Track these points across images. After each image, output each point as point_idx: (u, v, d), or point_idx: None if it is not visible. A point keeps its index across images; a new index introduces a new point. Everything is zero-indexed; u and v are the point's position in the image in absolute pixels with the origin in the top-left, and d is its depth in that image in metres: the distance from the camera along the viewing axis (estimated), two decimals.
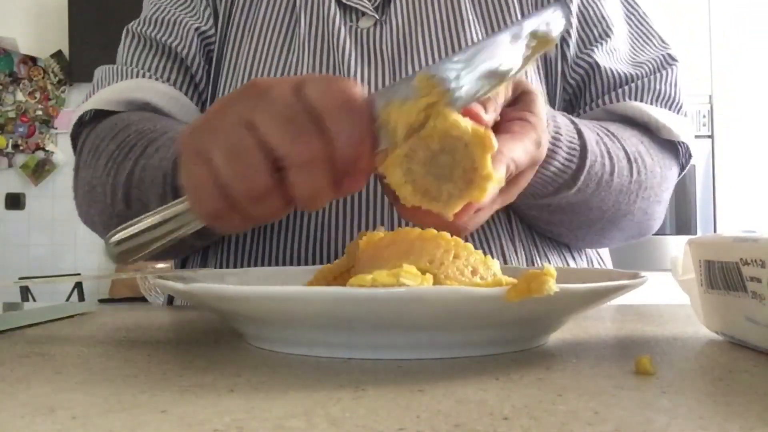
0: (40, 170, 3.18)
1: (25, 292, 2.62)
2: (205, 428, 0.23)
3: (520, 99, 0.46)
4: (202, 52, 0.71)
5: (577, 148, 0.57)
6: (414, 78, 0.38)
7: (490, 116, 0.42)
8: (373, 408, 0.26)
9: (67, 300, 2.65)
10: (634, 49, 0.73)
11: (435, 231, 0.41)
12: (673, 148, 0.71)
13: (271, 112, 0.38)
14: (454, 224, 0.41)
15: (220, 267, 0.67)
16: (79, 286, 2.90)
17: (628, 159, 0.63)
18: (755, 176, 2.71)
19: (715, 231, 2.64)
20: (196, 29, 0.71)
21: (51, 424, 0.24)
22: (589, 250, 0.73)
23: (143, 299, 2.73)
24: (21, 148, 3.18)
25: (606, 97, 0.69)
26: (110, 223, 0.62)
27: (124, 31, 0.74)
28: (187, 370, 0.33)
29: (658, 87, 0.69)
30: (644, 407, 0.26)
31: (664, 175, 0.68)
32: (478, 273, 0.40)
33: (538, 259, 0.66)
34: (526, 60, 0.39)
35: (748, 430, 0.23)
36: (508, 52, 0.39)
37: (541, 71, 0.69)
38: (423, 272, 0.36)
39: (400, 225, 0.62)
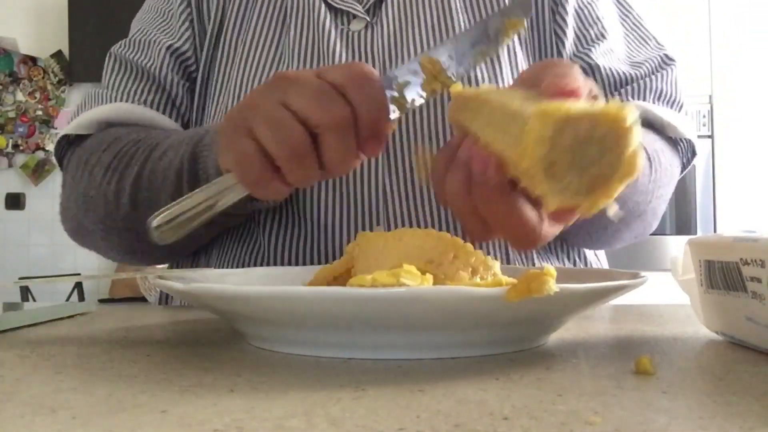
0: (40, 170, 3.18)
1: (25, 292, 2.62)
2: (205, 428, 0.23)
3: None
4: (176, 69, 0.72)
5: None
6: (416, 61, 0.46)
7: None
8: (373, 408, 0.26)
9: (67, 300, 2.65)
10: (631, 50, 0.73)
11: (435, 231, 0.41)
12: (674, 146, 0.71)
13: (302, 92, 0.44)
14: (538, 230, 0.38)
15: (221, 267, 0.67)
16: (79, 286, 2.90)
17: (648, 158, 0.62)
18: (755, 176, 2.71)
19: (715, 231, 2.64)
20: (168, 47, 0.72)
21: (51, 424, 0.24)
22: (586, 251, 0.73)
23: (143, 299, 2.73)
24: (21, 148, 3.18)
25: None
26: (112, 227, 0.65)
27: (108, 55, 0.75)
28: (187, 370, 0.33)
29: (659, 86, 0.69)
30: (644, 407, 0.26)
31: (673, 173, 0.69)
32: (478, 273, 0.40)
33: (536, 259, 0.66)
34: (503, 35, 0.47)
35: (748, 430, 0.23)
36: (485, 31, 0.47)
37: None
38: (423, 272, 0.36)
39: (399, 225, 0.62)
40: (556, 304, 0.35)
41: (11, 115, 3.20)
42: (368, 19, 0.67)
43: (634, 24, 0.75)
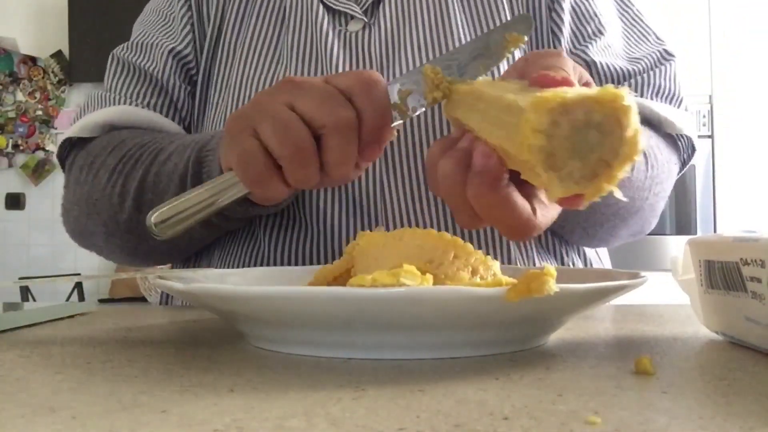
0: (40, 170, 3.18)
1: (25, 292, 2.62)
2: (205, 428, 0.23)
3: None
4: (178, 72, 0.72)
5: None
6: (419, 70, 0.47)
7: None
8: (373, 408, 0.26)
9: (67, 300, 2.65)
10: (629, 45, 0.72)
11: (435, 231, 0.41)
12: (673, 142, 0.71)
13: (309, 95, 0.45)
14: (532, 222, 0.38)
15: (221, 267, 0.67)
16: (79, 286, 2.91)
17: (644, 153, 0.62)
18: (755, 176, 2.70)
19: (715, 231, 2.64)
20: (170, 50, 0.72)
21: (51, 424, 0.24)
22: (587, 250, 0.73)
23: (143, 299, 2.73)
24: (21, 148, 3.18)
25: None
26: (115, 229, 0.65)
27: (110, 57, 0.76)
28: (187, 370, 0.33)
29: (657, 82, 0.69)
30: (644, 407, 0.26)
31: (671, 170, 0.68)
32: (478, 273, 0.40)
33: (537, 259, 0.66)
34: (504, 49, 0.47)
35: (748, 430, 0.23)
36: (486, 44, 0.48)
37: None
38: (423, 272, 0.36)
39: (399, 225, 0.62)
40: (556, 304, 0.35)
41: (11, 115, 3.20)
42: (365, 20, 0.67)
43: (633, 19, 0.75)
